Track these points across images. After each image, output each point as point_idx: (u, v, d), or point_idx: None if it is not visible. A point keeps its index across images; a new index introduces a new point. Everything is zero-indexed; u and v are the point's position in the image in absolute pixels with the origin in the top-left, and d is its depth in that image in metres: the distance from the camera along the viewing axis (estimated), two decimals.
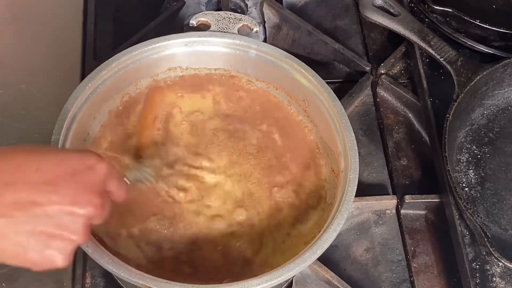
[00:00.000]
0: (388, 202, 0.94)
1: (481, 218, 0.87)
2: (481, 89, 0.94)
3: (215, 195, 0.82)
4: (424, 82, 0.99)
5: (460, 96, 0.91)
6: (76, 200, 0.59)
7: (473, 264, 0.84)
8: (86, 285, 0.86)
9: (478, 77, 0.92)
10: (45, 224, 0.58)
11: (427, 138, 0.99)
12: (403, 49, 1.07)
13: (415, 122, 1.02)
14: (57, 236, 0.59)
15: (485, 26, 0.98)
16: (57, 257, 0.60)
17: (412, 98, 1.02)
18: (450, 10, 1.01)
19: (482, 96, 0.95)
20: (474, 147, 0.94)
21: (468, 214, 0.83)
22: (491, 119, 0.96)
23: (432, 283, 0.89)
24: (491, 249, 0.80)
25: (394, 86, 1.03)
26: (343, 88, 1.03)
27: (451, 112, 0.89)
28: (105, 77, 0.85)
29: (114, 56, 0.86)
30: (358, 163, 0.79)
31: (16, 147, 0.61)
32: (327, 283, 0.87)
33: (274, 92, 0.91)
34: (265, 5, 1.11)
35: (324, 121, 0.85)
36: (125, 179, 0.72)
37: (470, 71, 0.93)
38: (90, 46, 1.01)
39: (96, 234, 0.76)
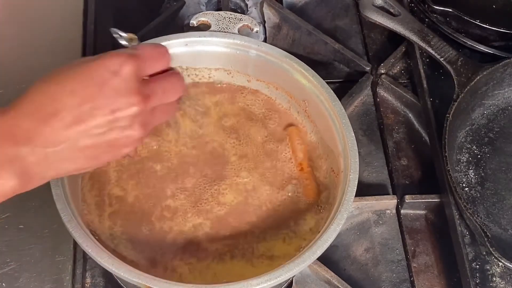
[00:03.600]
0: (388, 202, 0.94)
1: (481, 218, 0.87)
2: (481, 89, 0.94)
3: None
4: (424, 82, 0.99)
5: (460, 96, 0.91)
6: (116, 107, 0.62)
7: (473, 264, 0.84)
8: (86, 285, 0.86)
9: (478, 77, 0.92)
10: (98, 134, 0.63)
11: (427, 138, 0.99)
12: (403, 49, 1.07)
13: (415, 122, 1.02)
14: (114, 142, 0.64)
15: (485, 26, 0.99)
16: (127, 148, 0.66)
17: (412, 98, 1.02)
18: (450, 10, 1.01)
19: (482, 96, 0.95)
20: (474, 147, 0.94)
21: (468, 214, 0.83)
22: (491, 119, 0.96)
23: (432, 283, 0.89)
24: (491, 249, 0.80)
25: (394, 86, 1.03)
26: (343, 88, 1.03)
27: (451, 112, 0.89)
28: None
29: None
30: (358, 163, 0.79)
31: (46, 76, 0.63)
32: (327, 283, 0.87)
33: (274, 92, 0.91)
34: (265, 5, 1.11)
35: (324, 121, 0.85)
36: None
37: (470, 71, 0.93)
38: (90, 46, 1.01)
39: (96, 235, 0.77)
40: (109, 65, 0.63)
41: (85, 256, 0.86)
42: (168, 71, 0.69)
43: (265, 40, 1.09)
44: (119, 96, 0.62)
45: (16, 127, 0.60)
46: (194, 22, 0.92)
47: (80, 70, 0.63)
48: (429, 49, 0.97)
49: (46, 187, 0.72)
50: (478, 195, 0.90)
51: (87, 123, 0.61)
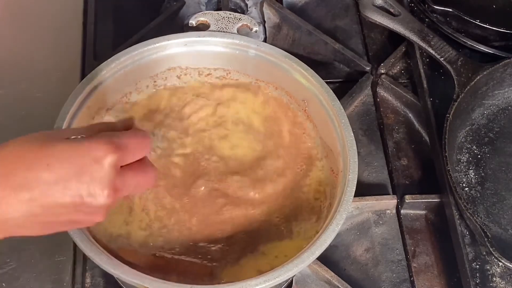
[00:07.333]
0: (388, 202, 0.94)
1: (481, 218, 0.87)
2: (481, 89, 0.94)
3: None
4: (424, 82, 0.99)
5: (460, 96, 0.91)
6: (86, 194, 0.61)
7: (473, 264, 0.84)
8: (86, 285, 0.86)
9: (478, 77, 0.92)
10: (62, 213, 0.61)
11: (427, 138, 0.99)
12: (403, 49, 1.07)
13: (415, 122, 1.02)
14: (74, 222, 0.63)
15: (485, 26, 0.99)
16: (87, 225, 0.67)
17: (412, 98, 1.02)
18: (450, 10, 1.01)
19: (482, 96, 0.95)
20: (474, 147, 0.94)
21: (468, 214, 0.83)
22: (491, 119, 0.96)
23: (432, 283, 0.89)
24: (491, 249, 0.80)
25: (394, 86, 1.03)
26: (343, 88, 1.03)
27: (451, 112, 0.89)
28: (104, 77, 0.85)
29: (113, 56, 0.86)
30: (357, 163, 0.79)
31: (25, 141, 0.62)
32: (327, 283, 0.87)
33: (273, 92, 0.91)
34: (265, 5, 1.11)
35: (324, 121, 0.85)
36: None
37: (470, 71, 0.93)
38: (90, 46, 1.01)
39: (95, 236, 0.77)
40: (94, 152, 0.62)
41: (85, 256, 0.86)
42: (143, 160, 0.67)
43: (265, 40, 1.09)
44: (93, 184, 0.61)
45: None
46: (193, 22, 0.93)
47: (64, 147, 0.62)
48: (429, 49, 0.97)
49: None
50: (478, 195, 0.89)
51: (54, 200, 0.60)
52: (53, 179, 0.60)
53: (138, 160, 0.66)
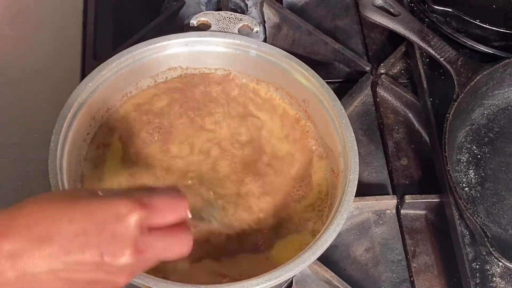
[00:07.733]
0: (388, 202, 0.94)
1: (481, 218, 0.87)
2: (481, 89, 0.94)
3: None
4: (424, 82, 0.99)
5: (460, 96, 0.91)
6: (106, 252, 0.59)
7: (473, 264, 0.84)
8: None
9: (478, 77, 0.92)
10: (83, 270, 0.59)
11: (427, 138, 0.99)
12: (403, 49, 1.07)
13: (415, 122, 1.02)
14: (95, 281, 0.60)
15: (485, 26, 0.98)
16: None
17: (412, 98, 1.02)
18: (450, 10, 1.01)
19: (482, 96, 0.95)
20: (474, 147, 0.94)
21: (468, 214, 0.83)
22: (491, 119, 0.96)
23: (432, 283, 0.89)
24: (491, 249, 0.80)
25: (394, 86, 1.03)
26: (343, 88, 1.03)
27: (451, 112, 0.89)
28: (105, 77, 0.85)
29: (114, 56, 0.86)
30: (358, 163, 0.79)
31: (49, 196, 0.61)
32: (327, 283, 0.87)
33: (274, 92, 0.91)
34: (265, 5, 1.11)
35: (324, 121, 0.85)
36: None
37: (470, 71, 0.93)
38: (90, 46, 1.01)
39: None
40: (117, 208, 0.59)
41: None
42: (179, 225, 0.63)
43: (265, 40, 1.08)
44: (114, 242, 0.59)
45: (5, 241, 0.57)
46: (194, 22, 0.93)
47: (86, 202, 0.60)
48: (429, 49, 0.97)
49: (48, 184, 0.73)
50: (478, 195, 0.90)
51: (73, 256, 0.58)
52: (74, 233, 0.58)
53: (175, 224, 0.62)
